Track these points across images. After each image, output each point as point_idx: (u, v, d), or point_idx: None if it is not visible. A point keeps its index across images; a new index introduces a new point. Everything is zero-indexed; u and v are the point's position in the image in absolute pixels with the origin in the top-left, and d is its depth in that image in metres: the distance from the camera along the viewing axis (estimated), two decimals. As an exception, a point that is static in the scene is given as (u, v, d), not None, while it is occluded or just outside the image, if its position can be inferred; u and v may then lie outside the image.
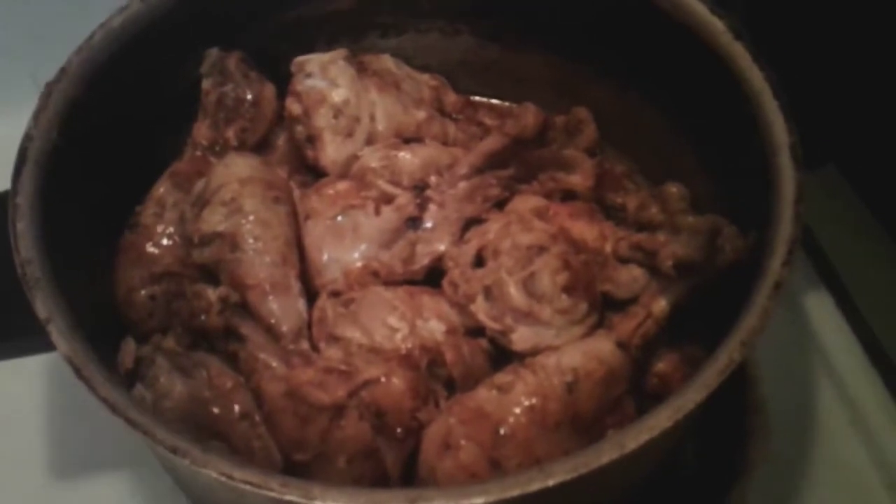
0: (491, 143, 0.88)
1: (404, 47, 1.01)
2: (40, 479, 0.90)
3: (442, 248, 0.84)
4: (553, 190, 0.89)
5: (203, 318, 0.77)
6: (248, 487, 0.58)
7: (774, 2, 0.97)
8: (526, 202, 0.87)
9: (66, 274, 0.72)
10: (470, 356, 0.78)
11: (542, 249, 0.80)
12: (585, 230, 0.84)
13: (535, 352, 0.77)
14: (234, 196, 0.81)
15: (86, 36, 0.83)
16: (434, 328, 0.78)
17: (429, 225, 0.85)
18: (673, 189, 0.86)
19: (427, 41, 1.02)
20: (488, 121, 1.00)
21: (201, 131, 0.92)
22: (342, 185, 0.87)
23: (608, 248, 0.83)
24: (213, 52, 0.93)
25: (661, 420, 0.61)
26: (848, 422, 0.93)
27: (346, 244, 0.84)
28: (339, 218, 0.84)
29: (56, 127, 0.78)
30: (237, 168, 0.83)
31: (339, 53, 0.93)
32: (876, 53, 0.94)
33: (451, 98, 0.99)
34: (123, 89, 0.84)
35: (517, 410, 0.71)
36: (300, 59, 0.93)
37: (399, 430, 0.73)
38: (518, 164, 0.88)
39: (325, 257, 0.83)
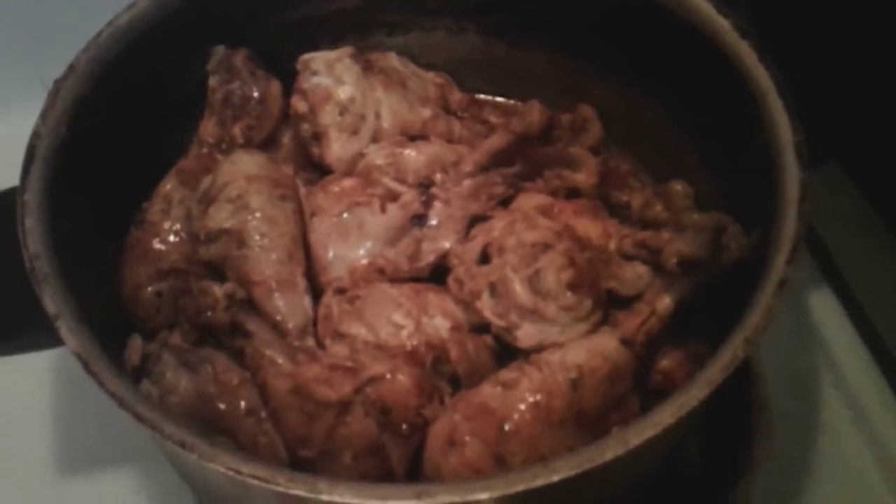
0: (496, 140, 0.88)
1: (410, 45, 1.01)
2: (46, 474, 0.91)
3: (447, 245, 0.84)
4: (558, 187, 0.89)
5: (209, 314, 0.77)
6: (255, 482, 0.59)
7: (778, 0, 0.98)
8: (531, 200, 0.87)
9: (74, 271, 0.72)
10: (475, 353, 0.78)
11: (546, 247, 0.80)
12: (590, 227, 0.84)
13: (539, 348, 0.77)
14: (241, 193, 0.81)
15: (91, 35, 0.83)
16: (439, 325, 0.79)
17: (434, 222, 0.85)
18: (677, 187, 0.87)
19: (433, 39, 1.02)
20: (493, 119, 1.00)
21: (208, 129, 0.92)
22: (348, 183, 0.87)
23: (612, 245, 0.83)
24: (220, 50, 0.93)
25: (664, 416, 0.61)
26: (851, 419, 0.93)
27: (351, 241, 0.84)
28: (345, 215, 0.85)
29: (64, 124, 0.78)
30: (244, 165, 0.84)
31: (345, 51, 0.93)
32: (878, 51, 0.94)
33: (456, 96, 1.00)
34: (131, 87, 0.85)
35: (522, 407, 0.71)
36: (306, 56, 0.93)
37: (404, 426, 0.73)
38: (523, 161, 0.89)
39: (331, 254, 0.84)
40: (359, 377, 0.73)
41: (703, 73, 0.84)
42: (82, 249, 0.77)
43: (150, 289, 0.83)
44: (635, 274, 0.81)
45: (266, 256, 0.80)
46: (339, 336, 0.79)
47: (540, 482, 0.58)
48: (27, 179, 0.74)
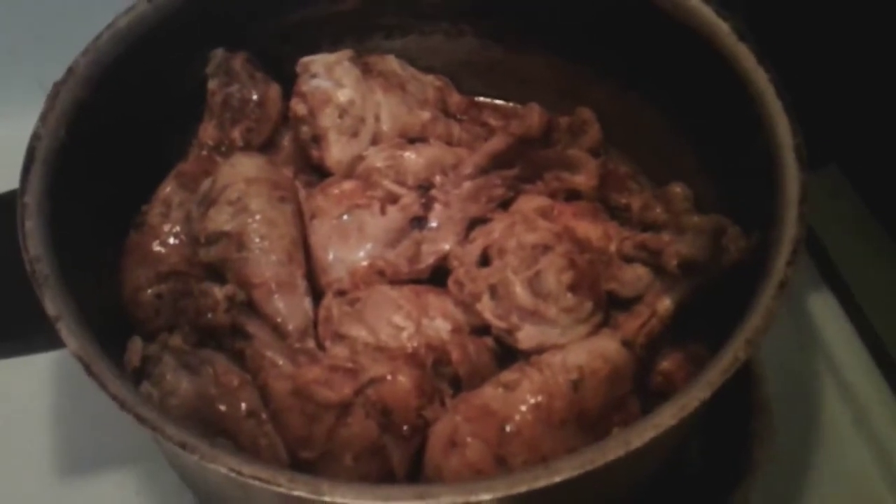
0: (496, 143, 0.88)
1: (408, 48, 1.01)
2: (45, 476, 0.90)
3: (447, 247, 0.85)
4: (557, 190, 0.89)
5: (210, 316, 0.77)
6: (256, 483, 0.58)
7: (775, 3, 0.98)
8: (530, 202, 0.87)
9: (74, 273, 0.72)
10: (475, 355, 0.78)
11: (547, 248, 0.80)
12: (590, 229, 0.84)
13: (540, 350, 0.77)
14: (241, 195, 0.82)
15: (90, 37, 0.83)
16: (440, 327, 0.79)
17: (434, 224, 0.85)
18: (676, 189, 0.87)
19: (431, 42, 1.02)
20: (492, 121, 1.01)
21: (207, 131, 0.92)
22: (348, 185, 0.87)
23: (613, 247, 0.83)
24: (219, 53, 0.93)
25: (666, 417, 0.61)
26: (851, 421, 0.93)
27: (351, 243, 0.84)
28: (345, 217, 0.85)
29: (64, 126, 0.78)
30: (243, 168, 0.84)
31: (345, 54, 0.94)
32: (875, 53, 0.94)
33: (455, 99, 1.00)
34: (130, 89, 0.85)
35: (523, 408, 0.71)
36: (305, 59, 0.93)
37: (405, 427, 0.73)
38: (523, 164, 0.89)
39: (331, 256, 0.84)
40: (359, 379, 0.74)
41: (701, 75, 0.84)
42: (82, 252, 0.77)
43: (149, 291, 0.83)
44: (635, 276, 0.82)
45: (266, 258, 0.80)
46: (340, 338, 0.79)
47: (542, 483, 0.58)
48: (27, 181, 0.74)
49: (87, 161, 0.80)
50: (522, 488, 0.58)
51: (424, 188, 0.87)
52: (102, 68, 0.82)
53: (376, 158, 0.89)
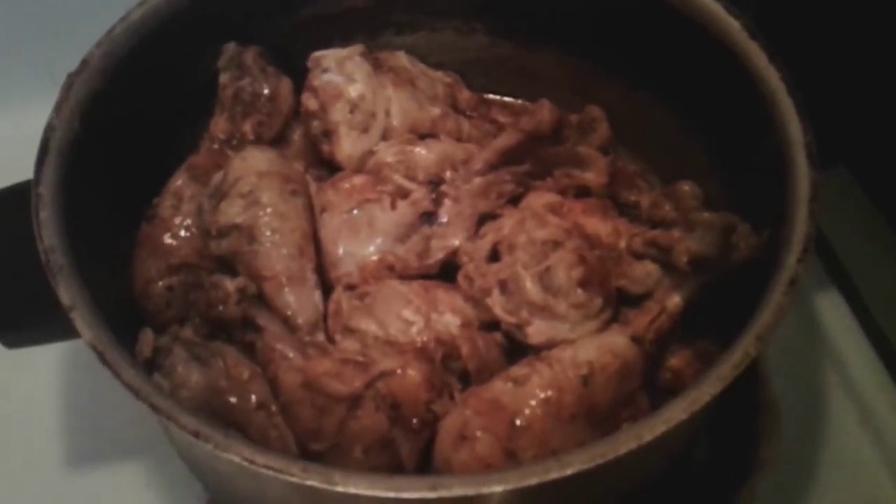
0: (506, 139, 0.89)
1: (419, 45, 1.02)
2: (55, 467, 0.91)
3: (457, 242, 0.85)
4: (567, 186, 0.89)
5: (221, 308, 0.77)
6: (269, 472, 0.59)
7: (786, 2, 0.98)
8: (540, 198, 0.87)
9: (88, 264, 0.72)
10: (485, 349, 0.79)
11: (557, 244, 0.80)
12: (599, 226, 0.84)
13: (550, 345, 0.77)
14: (252, 189, 0.82)
15: (100, 30, 0.83)
16: (449, 322, 0.79)
17: (444, 220, 0.85)
18: (685, 187, 0.87)
19: (441, 39, 1.03)
20: (502, 118, 1.01)
21: (219, 125, 0.92)
22: (358, 180, 0.87)
23: (622, 243, 0.83)
24: (231, 47, 0.93)
25: (677, 412, 0.62)
26: (858, 421, 0.94)
27: (361, 238, 0.84)
28: (355, 212, 0.85)
29: (78, 117, 0.78)
30: (255, 161, 0.84)
31: (356, 49, 0.94)
32: (882, 54, 0.95)
33: (464, 95, 1.00)
34: (143, 82, 0.85)
35: (533, 402, 0.71)
36: (317, 54, 0.93)
37: (415, 421, 0.73)
38: (533, 160, 0.89)
39: (341, 250, 0.84)
40: (369, 372, 0.74)
41: (712, 73, 0.85)
42: (96, 243, 0.77)
43: (160, 283, 0.83)
44: (645, 272, 0.82)
45: (277, 252, 0.80)
46: (350, 331, 0.79)
47: (553, 476, 0.59)
48: (41, 172, 0.74)
49: (101, 152, 0.81)
50: (533, 480, 0.59)
51: (435, 183, 0.87)
52: (116, 60, 0.83)
53: (387, 153, 0.89)
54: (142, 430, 0.88)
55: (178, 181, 0.88)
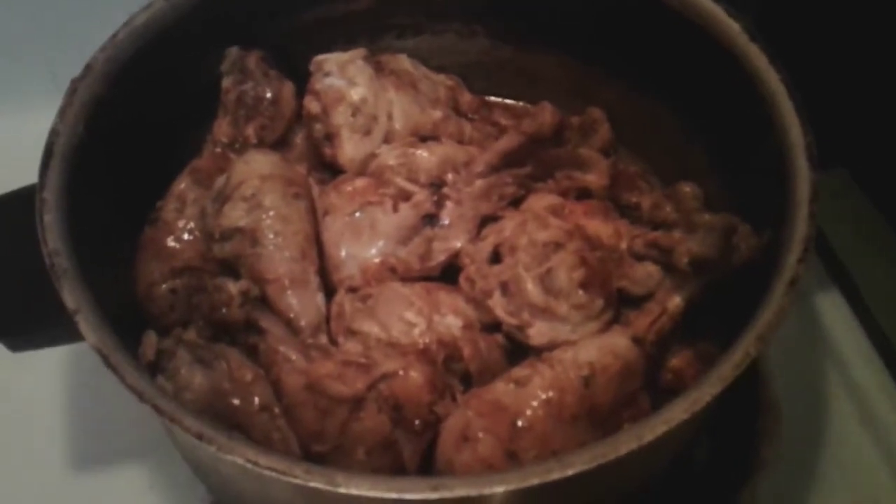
0: (507, 141, 0.89)
1: (420, 48, 1.02)
2: (59, 469, 0.91)
3: (458, 244, 0.85)
4: (568, 188, 0.90)
5: (224, 311, 0.78)
6: (272, 474, 0.59)
7: (785, 4, 0.98)
8: (541, 200, 0.88)
9: (92, 267, 0.72)
10: (487, 351, 0.79)
11: (558, 246, 0.81)
12: (601, 228, 0.85)
13: (551, 346, 0.78)
14: (255, 192, 0.82)
15: (103, 34, 0.84)
16: (451, 323, 0.79)
17: (445, 222, 0.86)
18: (686, 189, 0.87)
19: (443, 42, 1.03)
20: (503, 121, 1.01)
21: (221, 128, 0.93)
22: (360, 182, 0.88)
23: (623, 245, 0.84)
24: (234, 51, 0.94)
25: (678, 412, 0.62)
26: (859, 421, 0.94)
27: (363, 240, 0.85)
28: (358, 214, 0.85)
29: (82, 122, 0.79)
30: (258, 164, 0.84)
31: (358, 53, 0.94)
32: (882, 55, 0.95)
33: (466, 98, 1.00)
34: (146, 86, 0.85)
35: (534, 403, 0.72)
36: (319, 58, 0.94)
37: (417, 422, 0.74)
38: (534, 162, 0.89)
39: (343, 253, 0.84)
40: (372, 374, 0.74)
41: (712, 75, 0.85)
42: (100, 246, 0.77)
43: (164, 286, 0.83)
44: (646, 273, 0.82)
45: (279, 255, 0.81)
46: (352, 333, 0.80)
47: (555, 476, 0.59)
48: (46, 176, 0.75)
49: (105, 156, 0.81)
50: (535, 481, 0.59)
51: (436, 186, 0.87)
52: (120, 65, 0.83)
53: (389, 156, 0.90)
54: (145, 433, 0.88)
55: (182, 185, 0.88)
